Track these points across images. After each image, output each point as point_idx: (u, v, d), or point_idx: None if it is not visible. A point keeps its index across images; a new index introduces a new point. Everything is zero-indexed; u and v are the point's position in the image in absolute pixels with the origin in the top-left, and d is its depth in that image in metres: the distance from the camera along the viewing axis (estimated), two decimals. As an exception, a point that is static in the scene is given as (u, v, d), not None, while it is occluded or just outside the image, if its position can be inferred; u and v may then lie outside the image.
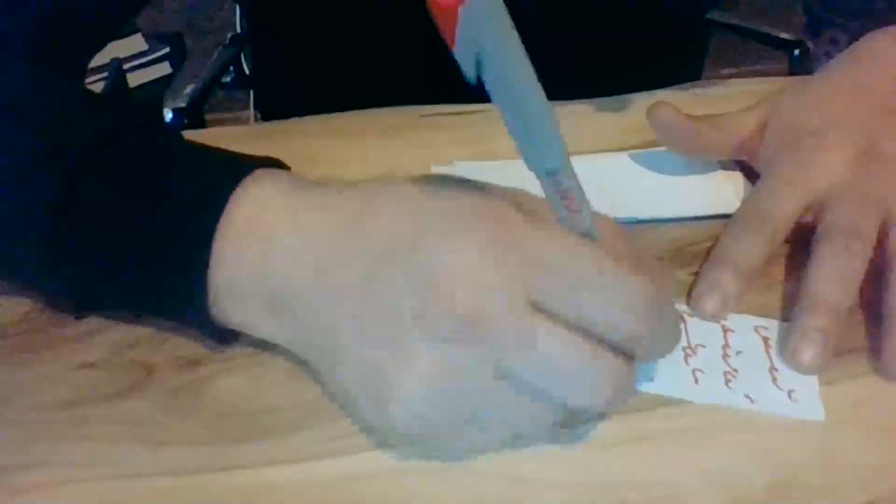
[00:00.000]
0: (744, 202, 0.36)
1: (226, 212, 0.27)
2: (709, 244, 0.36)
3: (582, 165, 0.42)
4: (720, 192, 0.40)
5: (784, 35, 0.84)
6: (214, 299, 0.27)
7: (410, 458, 0.26)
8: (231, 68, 0.91)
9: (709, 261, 0.33)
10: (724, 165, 0.42)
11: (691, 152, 0.40)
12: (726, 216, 0.38)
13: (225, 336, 0.30)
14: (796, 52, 0.83)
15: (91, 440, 0.27)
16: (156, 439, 0.27)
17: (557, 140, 0.23)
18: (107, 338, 0.31)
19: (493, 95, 0.21)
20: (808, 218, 0.34)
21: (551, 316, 0.24)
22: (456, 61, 0.20)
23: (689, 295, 0.33)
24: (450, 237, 0.24)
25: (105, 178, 0.28)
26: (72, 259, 0.29)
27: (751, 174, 0.40)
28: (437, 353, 0.24)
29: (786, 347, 0.30)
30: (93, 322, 0.32)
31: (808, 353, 0.29)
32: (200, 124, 0.81)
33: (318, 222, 0.27)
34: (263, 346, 0.31)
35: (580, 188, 0.24)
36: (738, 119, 0.39)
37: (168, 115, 0.77)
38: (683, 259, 0.35)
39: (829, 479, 0.26)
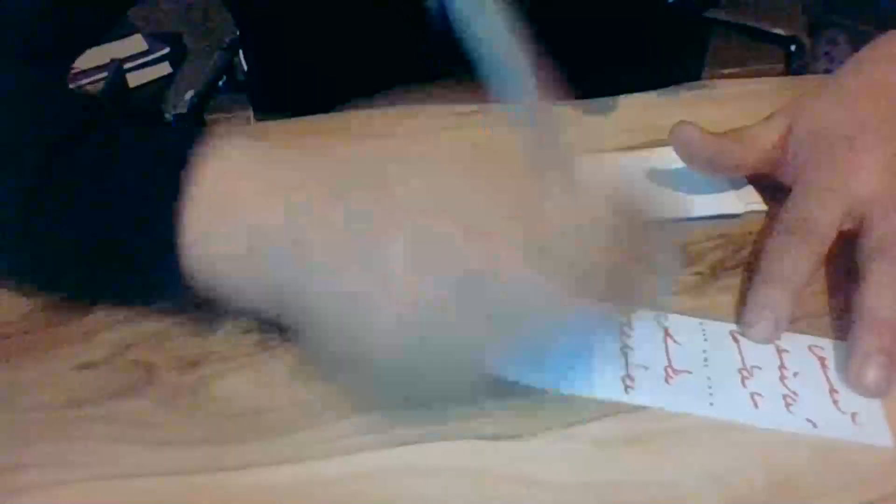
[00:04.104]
0: (784, 212, 0.34)
1: (196, 162, 0.28)
2: (709, 244, 0.36)
3: (582, 165, 0.43)
4: (722, 192, 0.40)
5: (779, 31, 0.83)
6: (188, 242, 0.28)
7: (410, 457, 0.26)
8: (224, 75, 0.91)
9: (756, 279, 0.32)
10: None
11: (717, 171, 0.39)
12: (728, 216, 0.38)
13: (190, 290, 0.30)
14: (792, 47, 0.82)
15: (91, 440, 0.27)
16: (156, 439, 0.27)
17: (531, 73, 0.27)
18: (107, 338, 0.31)
19: (478, 46, 0.25)
20: (847, 225, 0.33)
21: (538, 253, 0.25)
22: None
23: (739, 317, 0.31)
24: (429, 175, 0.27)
25: (78, 161, 0.30)
26: (44, 232, 0.30)
27: (753, 179, 0.40)
28: (413, 278, 0.25)
29: (848, 370, 0.29)
30: (93, 322, 0.32)
31: (872, 375, 0.28)
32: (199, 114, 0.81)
33: (290, 170, 0.28)
34: (263, 345, 0.31)
35: (551, 114, 0.28)
36: (759, 131, 0.38)
37: (169, 118, 0.78)
38: (683, 259, 0.35)
39: (829, 479, 0.26)
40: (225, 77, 0.92)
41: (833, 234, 0.32)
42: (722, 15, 0.84)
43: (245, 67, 0.95)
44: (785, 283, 0.31)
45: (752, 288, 0.31)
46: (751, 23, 0.85)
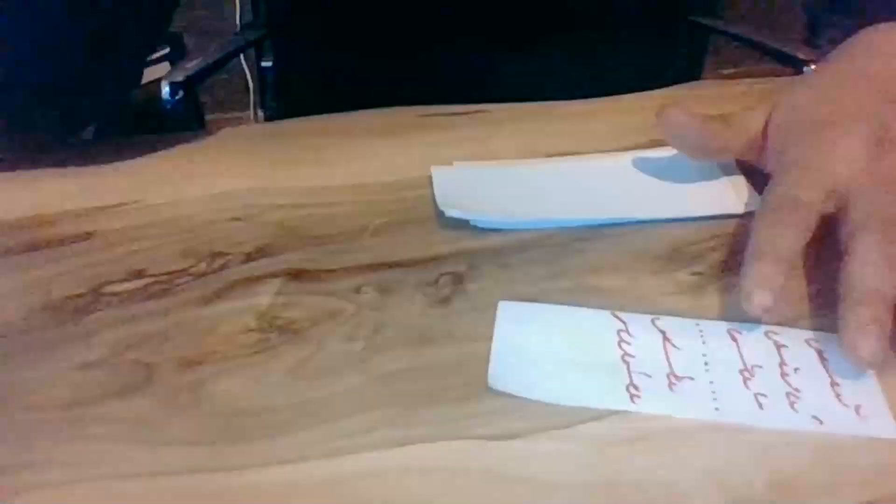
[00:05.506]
0: (768, 193, 0.34)
1: None
2: (709, 244, 0.36)
3: (582, 165, 0.43)
4: (721, 192, 0.40)
5: (801, 55, 0.83)
6: None
7: (410, 457, 0.26)
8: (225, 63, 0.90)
9: (748, 255, 0.32)
10: (725, 166, 0.42)
11: (704, 153, 0.39)
12: (727, 216, 0.38)
13: None
14: (808, 70, 0.82)
15: (91, 440, 0.27)
16: (156, 439, 0.27)
17: None
18: (107, 338, 0.31)
19: None
20: (830, 205, 0.33)
21: None
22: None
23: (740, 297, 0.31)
24: None
25: None
26: None
27: (749, 175, 0.40)
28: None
29: (842, 342, 0.29)
30: (93, 322, 0.32)
31: (867, 346, 0.28)
32: (194, 101, 0.81)
33: None
34: (263, 345, 0.31)
35: None
36: (745, 117, 0.39)
37: (165, 89, 0.77)
38: (683, 259, 0.35)
39: (829, 479, 0.26)
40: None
41: (818, 209, 0.33)
42: (738, 31, 0.84)
43: (245, 66, 0.95)
44: (777, 256, 0.31)
45: (745, 266, 0.32)
46: (771, 43, 0.85)
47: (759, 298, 0.30)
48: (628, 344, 0.30)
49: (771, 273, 0.31)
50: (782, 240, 0.32)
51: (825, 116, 0.36)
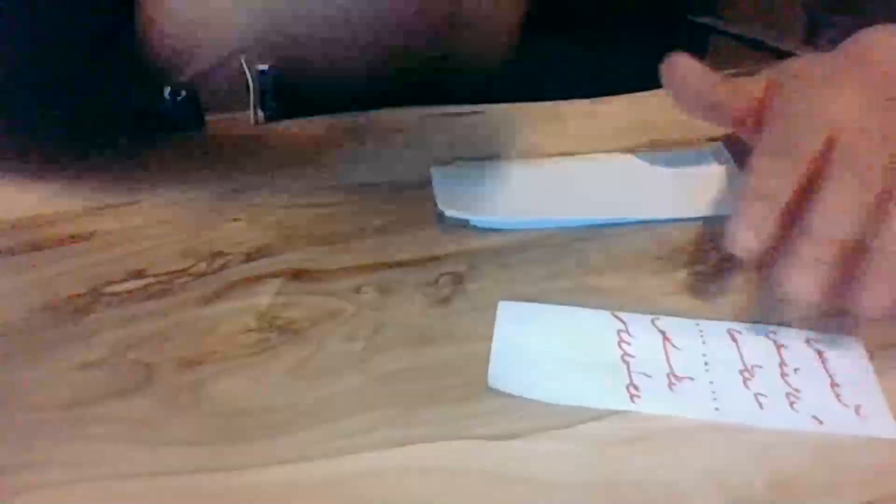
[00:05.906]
0: (764, 136, 0.34)
1: None
2: (709, 244, 0.36)
3: (582, 165, 0.43)
4: (721, 192, 0.40)
5: (801, 55, 0.83)
6: None
7: (410, 457, 0.26)
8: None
9: (740, 198, 0.31)
10: (722, 161, 0.42)
11: (704, 109, 0.39)
12: (727, 217, 0.38)
13: None
14: None
15: (91, 440, 0.27)
16: (156, 439, 0.27)
17: None
18: (107, 338, 0.31)
19: None
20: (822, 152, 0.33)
21: None
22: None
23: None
24: None
25: None
26: None
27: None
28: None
29: (774, 275, 0.28)
30: (93, 322, 0.32)
31: (798, 282, 0.28)
32: (194, 101, 0.81)
33: None
34: (263, 345, 0.31)
35: None
36: (749, 81, 0.38)
37: (165, 89, 0.78)
38: (683, 259, 0.35)
39: (829, 479, 0.26)
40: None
41: (814, 153, 0.32)
42: (738, 30, 0.84)
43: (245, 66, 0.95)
44: (769, 199, 0.31)
45: (737, 206, 0.31)
46: (771, 43, 0.84)
47: (743, 239, 0.30)
48: (628, 344, 0.30)
49: (758, 213, 0.30)
50: (776, 183, 0.31)
51: (825, 73, 0.35)
